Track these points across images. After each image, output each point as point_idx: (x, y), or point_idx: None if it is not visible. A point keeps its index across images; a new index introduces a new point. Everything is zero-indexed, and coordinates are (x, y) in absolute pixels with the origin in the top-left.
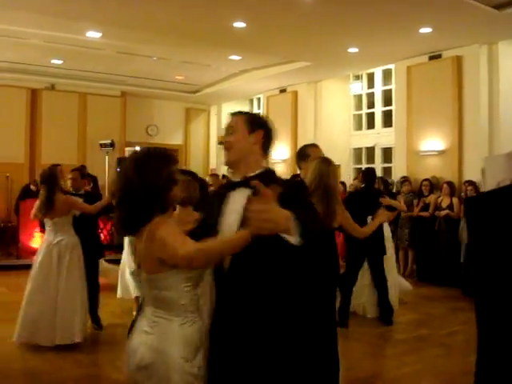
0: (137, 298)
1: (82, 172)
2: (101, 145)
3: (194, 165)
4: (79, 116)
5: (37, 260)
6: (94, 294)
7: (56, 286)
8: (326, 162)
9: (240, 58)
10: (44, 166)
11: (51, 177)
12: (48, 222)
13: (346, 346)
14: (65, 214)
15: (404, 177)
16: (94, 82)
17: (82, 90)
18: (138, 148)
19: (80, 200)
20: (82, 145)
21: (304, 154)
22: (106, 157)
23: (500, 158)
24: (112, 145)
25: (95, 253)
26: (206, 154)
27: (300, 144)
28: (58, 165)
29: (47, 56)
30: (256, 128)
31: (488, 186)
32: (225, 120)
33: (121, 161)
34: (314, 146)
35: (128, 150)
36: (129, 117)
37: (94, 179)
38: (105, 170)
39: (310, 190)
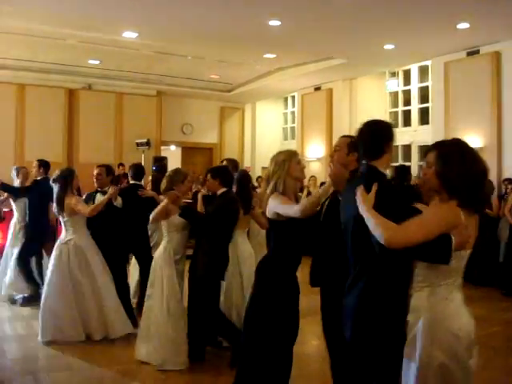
0: None
1: (107, 168)
2: (137, 144)
3: None
4: (116, 115)
5: (51, 259)
6: (123, 295)
7: (74, 284)
8: None
9: (275, 55)
10: (82, 164)
11: (64, 176)
12: (61, 221)
13: None
14: (72, 214)
15: None
16: (130, 81)
17: (118, 90)
18: (173, 147)
19: (99, 199)
20: (118, 144)
21: None
22: (142, 155)
23: None
24: (148, 144)
25: (120, 252)
26: (241, 152)
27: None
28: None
29: (84, 56)
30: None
31: None
32: (259, 118)
33: (157, 159)
34: None
35: (164, 149)
36: (164, 116)
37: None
38: None
39: None
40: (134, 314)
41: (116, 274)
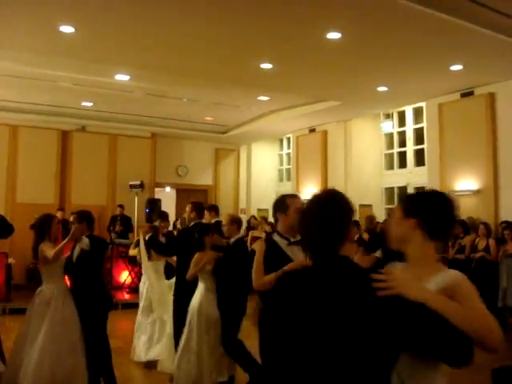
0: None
1: (80, 215)
2: (130, 186)
3: (224, 205)
4: (109, 157)
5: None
6: (104, 356)
7: (36, 339)
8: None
9: (268, 98)
10: (75, 206)
11: (41, 224)
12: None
13: None
14: (45, 263)
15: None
16: (124, 123)
17: (112, 132)
18: (168, 189)
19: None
20: (111, 185)
21: (283, 204)
22: (136, 197)
23: None
24: (141, 185)
25: (100, 304)
26: (236, 194)
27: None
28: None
29: (78, 98)
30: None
31: None
32: (254, 160)
33: (150, 201)
34: (293, 196)
35: (158, 191)
36: (158, 157)
37: (127, 220)
38: (134, 211)
39: None
40: (113, 378)
41: (94, 331)
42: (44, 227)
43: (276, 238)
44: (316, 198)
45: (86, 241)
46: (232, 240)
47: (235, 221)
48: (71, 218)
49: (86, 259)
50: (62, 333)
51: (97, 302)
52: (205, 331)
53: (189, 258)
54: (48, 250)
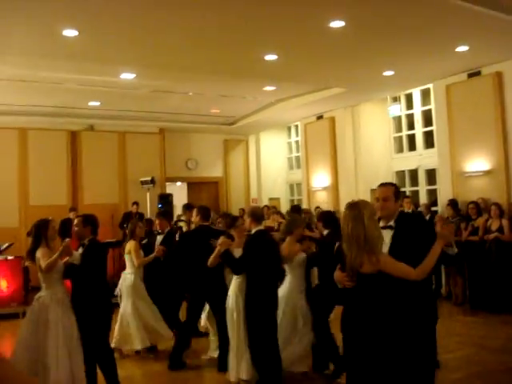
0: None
1: (85, 218)
2: (141, 182)
3: (235, 196)
4: (119, 155)
5: None
6: (106, 360)
7: (38, 345)
8: (348, 208)
9: (274, 88)
10: (87, 206)
11: (37, 230)
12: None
13: None
14: (41, 270)
15: (450, 199)
16: (131, 120)
17: (120, 129)
18: (178, 183)
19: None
20: (122, 183)
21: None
22: (148, 193)
23: None
24: (152, 181)
25: (100, 309)
26: (247, 184)
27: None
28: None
29: (84, 98)
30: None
31: None
32: (263, 149)
33: (162, 197)
34: (381, 185)
35: (169, 185)
36: (168, 152)
37: (141, 217)
38: (147, 207)
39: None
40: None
41: (94, 336)
42: (40, 232)
43: None
44: None
45: (76, 255)
46: (253, 231)
47: (249, 214)
48: (75, 221)
49: (82, 268)
50: (61, 340)
51: (97, 310)
52: (238, 327)
53: (199, 259)
54: (42, 259)
